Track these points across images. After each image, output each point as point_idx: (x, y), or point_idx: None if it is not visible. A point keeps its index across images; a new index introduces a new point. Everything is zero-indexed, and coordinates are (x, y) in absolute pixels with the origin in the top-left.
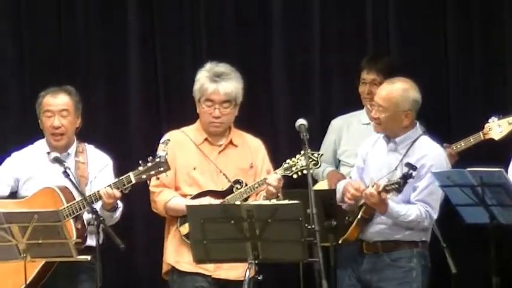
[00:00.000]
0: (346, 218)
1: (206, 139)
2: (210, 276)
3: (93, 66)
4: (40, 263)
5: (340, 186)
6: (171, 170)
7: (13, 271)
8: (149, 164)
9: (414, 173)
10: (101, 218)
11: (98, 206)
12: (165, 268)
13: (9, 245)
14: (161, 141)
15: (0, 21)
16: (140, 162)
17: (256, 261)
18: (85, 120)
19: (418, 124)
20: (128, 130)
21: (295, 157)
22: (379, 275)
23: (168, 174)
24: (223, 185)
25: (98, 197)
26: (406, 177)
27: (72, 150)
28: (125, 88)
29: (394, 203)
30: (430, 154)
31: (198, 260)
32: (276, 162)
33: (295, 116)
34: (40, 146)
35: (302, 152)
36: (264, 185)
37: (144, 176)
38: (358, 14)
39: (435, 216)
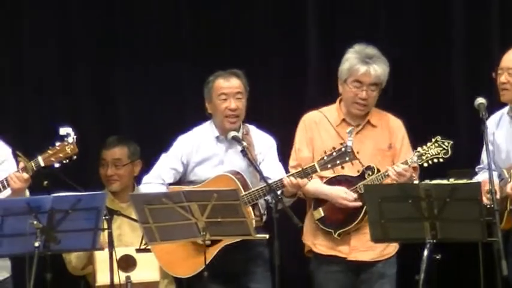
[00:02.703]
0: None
1: (344, 120)
2: (346, 258)
3: (270, 40)
4: (218, 247)
5: None
6: (309, 150)
7: (189, 255)
8: (334, 154)
9: None
10: (279, 197)
11: None
12: (306, 247)
13: (189, 223)
14: (347, 130)
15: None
16: (325, 151)
17: (434, 241)
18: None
19: None
20: (303, 105)
21: (426, 145)
22: None
23: (306, 154)
24: (359, 168)
25: (280, 185)
26: None
27: (240, 132)
28: (303, 62)
29: None
30: None
31: (376, 239)
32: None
33: (474, 94)
34: (208, 130)
35: (433, 140)
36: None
37: (329, 166)
38: None
39: None
